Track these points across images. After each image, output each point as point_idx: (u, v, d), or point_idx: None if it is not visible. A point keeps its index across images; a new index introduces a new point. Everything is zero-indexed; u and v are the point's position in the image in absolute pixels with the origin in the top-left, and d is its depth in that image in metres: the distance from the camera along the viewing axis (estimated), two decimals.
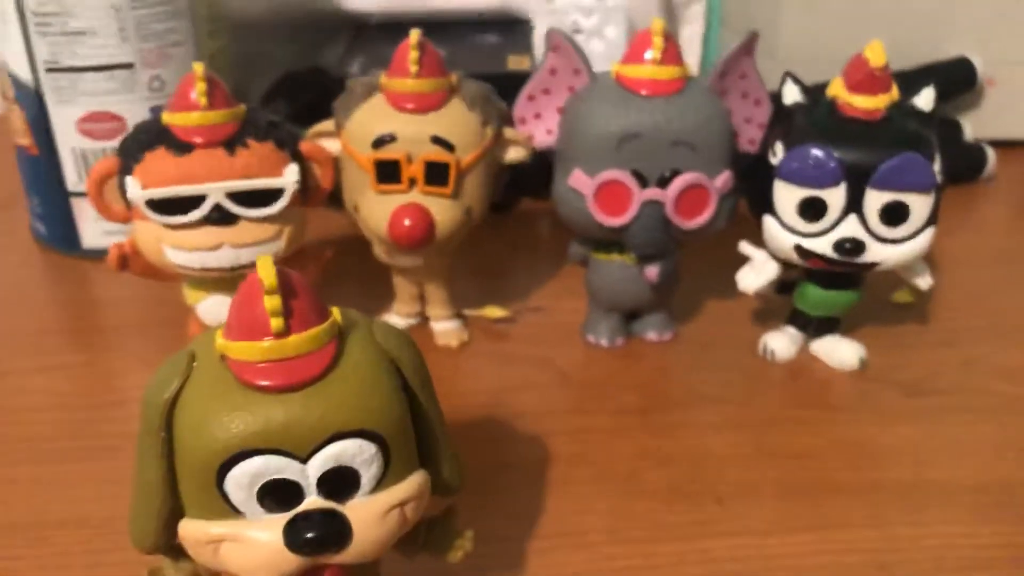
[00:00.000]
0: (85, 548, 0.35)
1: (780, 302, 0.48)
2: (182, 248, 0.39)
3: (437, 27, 0.63)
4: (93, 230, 0.56)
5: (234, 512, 0.24)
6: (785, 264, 0.43)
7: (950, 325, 0.50)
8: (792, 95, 0.42)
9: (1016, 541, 0.35)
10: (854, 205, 0.40)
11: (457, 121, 0.41)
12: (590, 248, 0.46)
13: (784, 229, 0.41)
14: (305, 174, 0.40)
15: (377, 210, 0.42)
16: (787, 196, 0.41)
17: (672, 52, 0.41)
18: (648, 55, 0.41)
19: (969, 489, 0.37)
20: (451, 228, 0.42)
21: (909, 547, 0.34)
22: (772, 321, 0.48)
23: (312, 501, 0.24)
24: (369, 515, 0.25)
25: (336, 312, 0.25)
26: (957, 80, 0.68)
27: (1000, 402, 0.43)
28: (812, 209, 0.40)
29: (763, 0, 0.70)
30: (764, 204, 0.42)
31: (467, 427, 0.41)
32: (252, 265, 0.39)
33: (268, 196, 0.39)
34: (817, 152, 0.39)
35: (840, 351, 0.45)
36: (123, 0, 0.50)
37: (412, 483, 0.26)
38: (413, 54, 0.40)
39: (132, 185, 0.38)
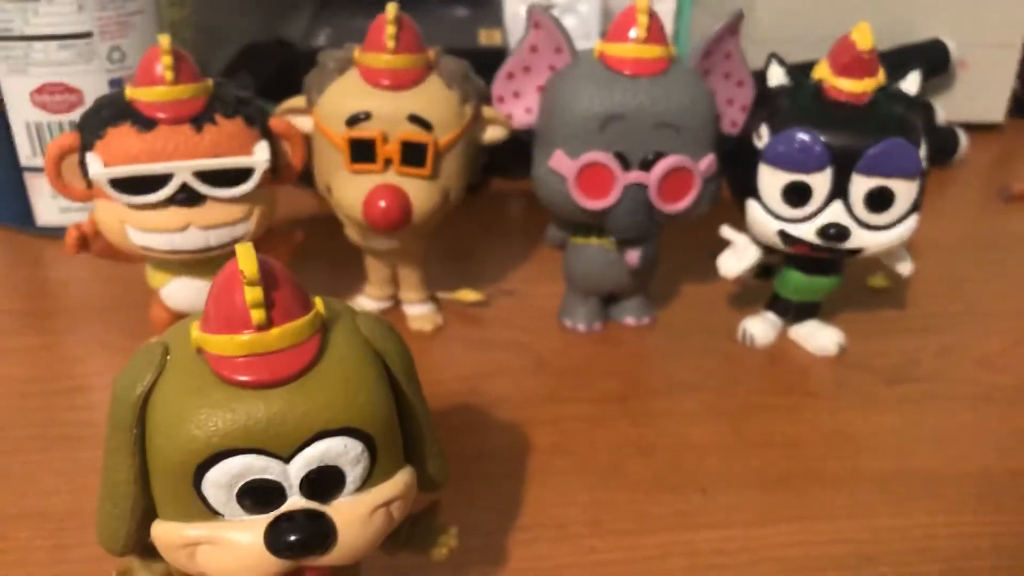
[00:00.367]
0: (48, 543, 0.33)
1: (759, 287, 0.47)
2: (146, 229, 0.37)
3: None
4: (48, 207, 0.54)
5: (211, 513, 0.23)
6: (767, 249, 0.43)
7: (927, 311, 0.50)
8: (777, 77, 0.41)
9: (998, 530, 0.35)
10: (839, 190, 0.39)
11: (435, 99, 0.39)
12: (568, 231, 0.45)
13: (768, 214, 0.41)
14: (275, 153, 0.39)
15: (351, 191, 0.40)
16: (772, 180, 0.40)
17: (657, 31, 0.39)
18: (632, 34, 0.39)
19: (950, 478, 0.37)
20: (428, 210, 0.40)
21: (893, 537, 0.34)
22: (751, 306, 0.48)
23: (295, 501, 0.23)
24: (354, 516, 0.24)
25: (319, 303, 0.24)
26: (931, 63, 0.68)
27: (978, 390, 0.43)
28: (797, 194, 0.40)
29: None
30: (747, 188, 0.41)
31: (443, 415, 0.40)
32: (220, 247, 0.38)
33: (237, 175, 0.37)
34: (803, 136, 0.39)
35: (819, 337, 0.45)
36: None
37: (398, 481, 0.24)
38: (390, 29, 0.38)
39: (94, 162, 0.36)
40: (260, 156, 0.37)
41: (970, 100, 0.71)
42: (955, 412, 0.41)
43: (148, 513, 0.24)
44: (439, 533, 0.28)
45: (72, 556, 0.33)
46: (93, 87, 0.50)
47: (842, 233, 0.39)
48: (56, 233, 0.54)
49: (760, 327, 0.46)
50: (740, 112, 0.43)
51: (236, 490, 0.23)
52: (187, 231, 0.37)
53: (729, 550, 0.34)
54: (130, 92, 0.37)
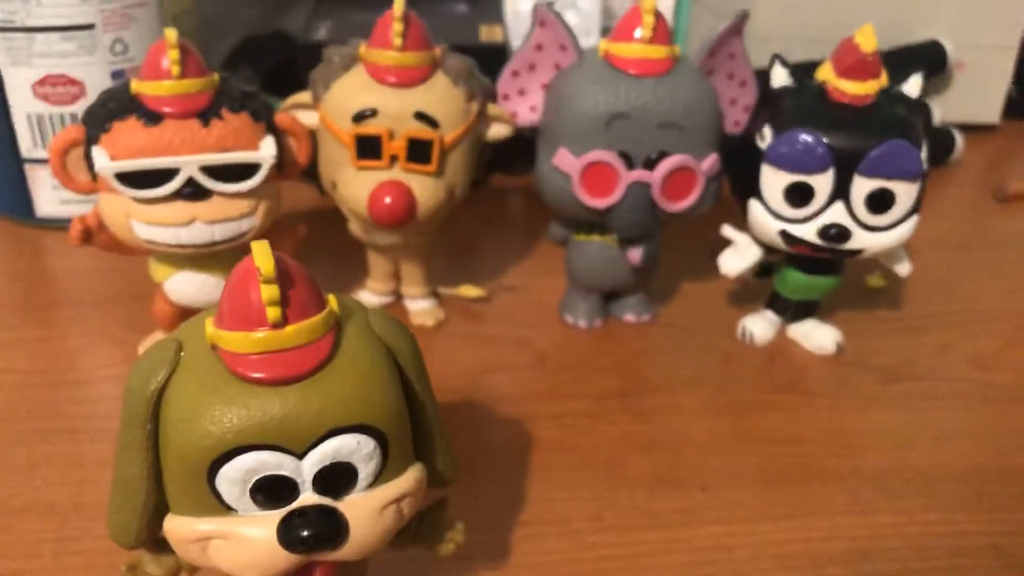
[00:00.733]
0: (53, 536, 0.33)
1: (758, 285, 0.47)
2: (152, 223, 0.37)
3: None
4: (49, 198, 0.54)
5: (224, 508, 0.23)
6: (767, 248, 0.43)
7: (923, 311, 0.50)
8: (780, 78, 0.42)
9: (994, 529, 0.35)
10: (841, 191, 0.39)
11: (442, 97, 0.40)
12: (570, 229, 0.45)
13: (769, 214, 0.41)
14: (281, 148, 0.39)
15: (356, 187, 0.40)
16: (774, 181, 0.40)
17: (662, 31, 0.40)
18: (638, 33, 0.40)
19: (947, 476, 0.38)
20: (433, 207, 0.41)
21: (891, 534, 0.35)
22: (750, 304, 0.48)
23: (307, 497, 0.23)
24: (366, 512, 0.24)
25: (332, 300, 0.24)
26: (928, 63, 0.68)
27: (973, 389, 0.43)
28: (798, 194, 0.40)
29: None
30: (749, 188, 0.41)
31: (444, 410, 0.39)
32: (225, 242, 0.38)
33: (244, 170, 0.37)
34: (806, 137, 0.39)
35: (817, 335, 0.45)
36: None
37: (409, 478, 0.25)
38: (397, 26, 0.38)
39: (100, 156, 0.36)
40: (266, 151, 0.37)
41: (966, 101, 0.72)
42: (952, 410, 0.42)
43: (160, 507, 0.24)
44: (446, 529, 0.29)
45: (78, 548, 0.33)
46: (95, 79, 0.50)
47: (843, 234, 0.40)
48: (56, 224, 0.54)
49: (759, 325, 0.46)
50: (743, 112, 0.43)
51: (249, 486, 0.23)
52: (192, 225, 0.37)
53: (730, 546, 0.34)
54: (136, 86, 0.37)
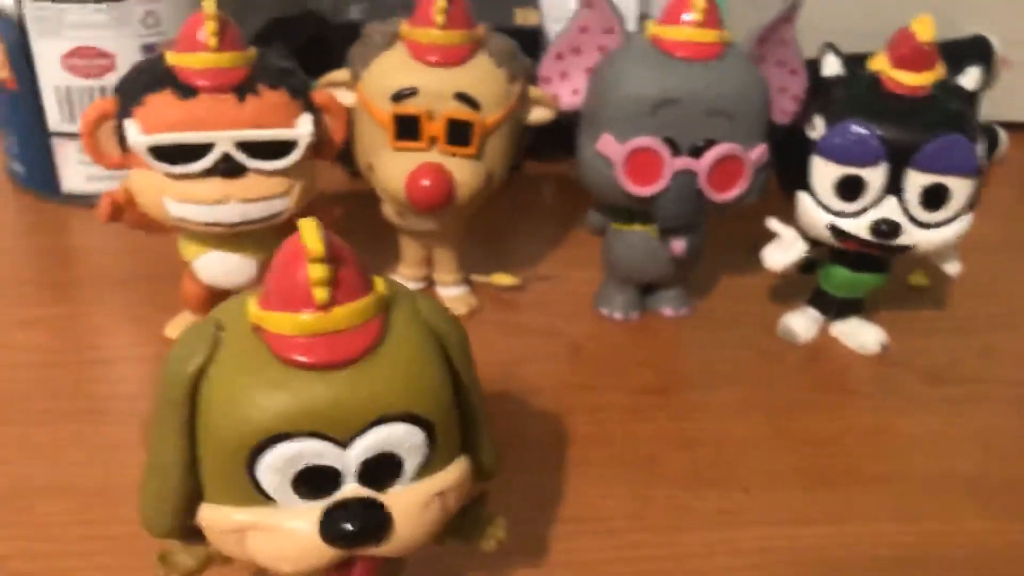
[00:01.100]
0: (76, 518, 0.32)
1: (799, 281, 0.46)
2: (184, 200, 0.36)
3: None
4: (75, 173, 0.53)
5: (263, 498, 0.22)
6: (813, 242, 0.42)
7: (967, 312, 0.49)
8: (832, 67, 0.40)
9: None
10: (893, 186, 0.38)
11: (484, 78, 0.38)
12: (610, 217, 0.44)
13: (819, 207, 0.39)
14: (318, 126, 0.37)
15: (394, 169, 0.39)
16: (825, 173, 0.39)
17: (713, 15, 0.38)
18: (687, 16, 0.38)
19: (997, 484, 0.36)
20: (471, 192, 0.39)
21: (941, 543, 0.33)
22: (791, 300, 0.47)
23: (351, 489, 0.22)
24: (410, 505, 0.23)
25: (380, 283, 0.23)
26: (972, 59, 0.66)
27: (1021, 393, 0.42)
28: (849, 188, 0.39)
29: None
30: (798, 180, 0.40)
31: None
32: (258, 221, 0.37)
33: (280, 148, 0.36)
34: (859, 129, 0.38)
35: (861, 334, 0.44)
36: None
37: (455, 471, 0.24)
38: (440, 3, 0.37)
39: (132, 129, 0.35)
40: (304, 129, 0.36)
41: (1012, 98, 0.70)
42: (997, 415, 0.41)
43: (195, 495, 0.23)
44: (487, 524, 0.27)
45: (102, 532, 0.32)
46: (126, 52, 0.49)
47: (894, 230, 0.38)
48: (81, 201, 0.53)
49: (801, 322, 0.45)
50: (792, 101, 0.42)
51: (291, 475, 0.22)
52: (226, 204, 0.36)
53: (773, 549, 0.33)
54: (171, 58, 0.35)
